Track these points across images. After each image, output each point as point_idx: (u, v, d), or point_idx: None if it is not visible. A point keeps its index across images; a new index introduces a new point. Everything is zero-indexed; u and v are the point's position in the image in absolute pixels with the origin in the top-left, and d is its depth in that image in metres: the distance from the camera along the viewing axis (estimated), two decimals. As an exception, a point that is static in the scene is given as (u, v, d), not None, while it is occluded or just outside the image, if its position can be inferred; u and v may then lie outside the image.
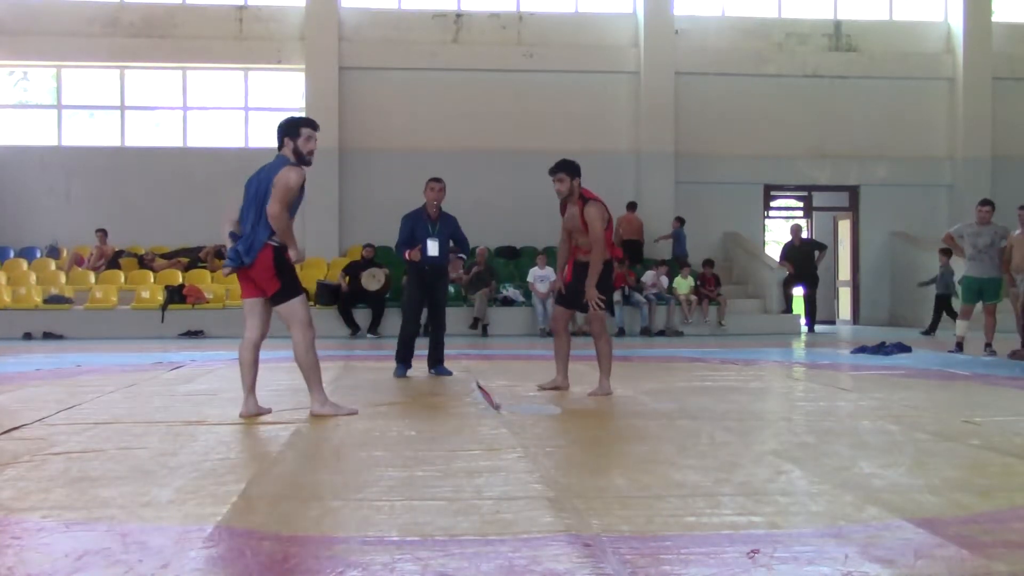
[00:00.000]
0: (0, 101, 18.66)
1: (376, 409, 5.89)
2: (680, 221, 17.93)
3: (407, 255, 8.06)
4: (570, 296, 6.87)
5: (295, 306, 5.46)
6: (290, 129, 5.53)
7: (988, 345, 10.58)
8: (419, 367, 8.25)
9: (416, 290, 8.23)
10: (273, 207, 5.29)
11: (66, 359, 10.36)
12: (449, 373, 8.15)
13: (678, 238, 17.89)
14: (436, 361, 8.26)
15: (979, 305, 10.97)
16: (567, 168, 6.57)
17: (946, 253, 16.07)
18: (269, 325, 5.63)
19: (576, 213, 6.58)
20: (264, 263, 5.37)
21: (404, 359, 8.19)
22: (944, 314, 15.66)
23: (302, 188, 5.43)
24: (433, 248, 8.07)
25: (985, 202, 10.94)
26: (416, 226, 8.11)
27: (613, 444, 4.71)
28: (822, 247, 17.53)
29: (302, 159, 5.49)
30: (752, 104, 19.02)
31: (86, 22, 18.01)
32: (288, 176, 5.32)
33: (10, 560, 2.68)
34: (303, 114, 14.77)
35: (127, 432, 4.95)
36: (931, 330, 15.62)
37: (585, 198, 6.56)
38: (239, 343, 5.67)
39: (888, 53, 19.35)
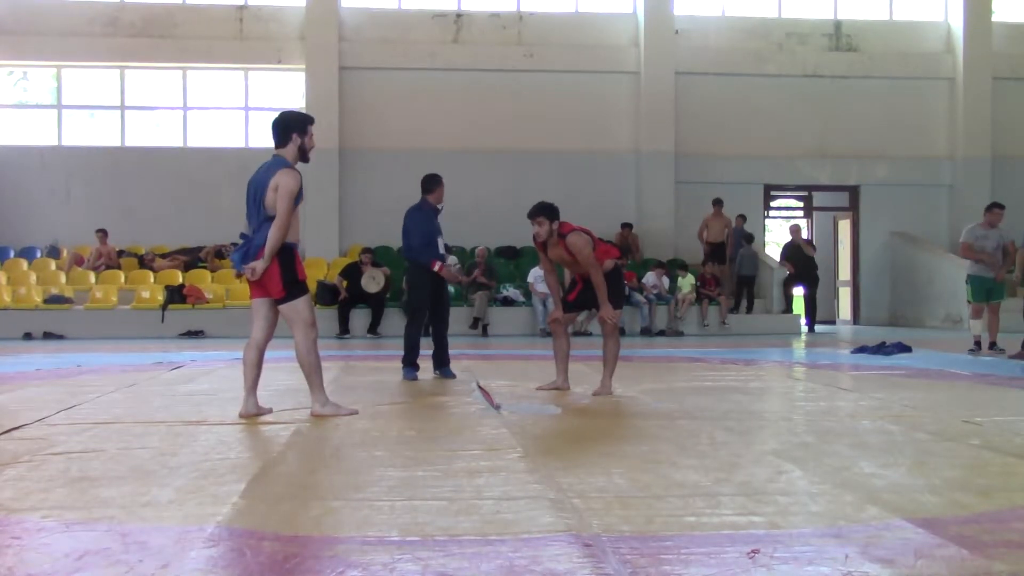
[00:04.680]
0: (0, 101, 18.67)
1: (376, 409, 5.89)
2: (743, 219, 17.57)
3: (436, 269, 7.85)
4: (579, 300, 6.92)
5: (299, 306, 5.41)
6: (300, 124, 5.45)
7: (993, 344, 10.59)
8: (421, 366, 8.23)
9: (428, 292, 8.04)
10: (281, 218, 5.22)
11: (66, 359, 10.35)
12: (453, 376, 8.03)
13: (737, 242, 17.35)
14: (442, 362, 8.16)
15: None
16: (546, 212, 6.54)
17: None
18: (275, 326, 5.58)
19: (562, 252, 6.61)
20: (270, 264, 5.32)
21: (413, 362, 8.00)
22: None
23: (301, 186, 5.42)
24: (441, 247, 8.08)
25: (999, 205, 10.99)
26: (431, 224, 8.01)
27: (613, 444, 4.70)
28: (809, 243, 17.67)
29: (305, 157, 5.47)
30: (752, 104, 19.02)
31: (86, 22, 18.01)
32: (289, 184, 5.23)
33: (10, 560, 2.68)
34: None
35: (127, 432, 4.95)
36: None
37: (563, 234, 6.56)
38: (244, 342, 5.64)
39: (888, 53, 19.35)
